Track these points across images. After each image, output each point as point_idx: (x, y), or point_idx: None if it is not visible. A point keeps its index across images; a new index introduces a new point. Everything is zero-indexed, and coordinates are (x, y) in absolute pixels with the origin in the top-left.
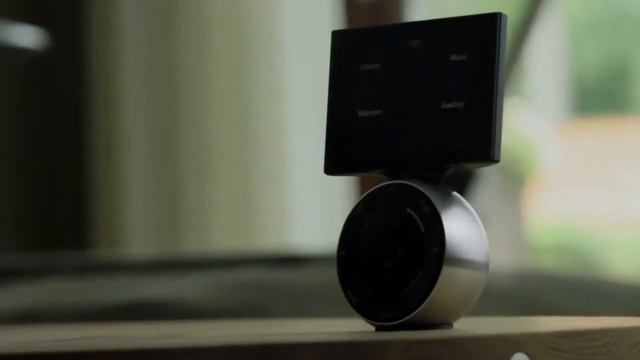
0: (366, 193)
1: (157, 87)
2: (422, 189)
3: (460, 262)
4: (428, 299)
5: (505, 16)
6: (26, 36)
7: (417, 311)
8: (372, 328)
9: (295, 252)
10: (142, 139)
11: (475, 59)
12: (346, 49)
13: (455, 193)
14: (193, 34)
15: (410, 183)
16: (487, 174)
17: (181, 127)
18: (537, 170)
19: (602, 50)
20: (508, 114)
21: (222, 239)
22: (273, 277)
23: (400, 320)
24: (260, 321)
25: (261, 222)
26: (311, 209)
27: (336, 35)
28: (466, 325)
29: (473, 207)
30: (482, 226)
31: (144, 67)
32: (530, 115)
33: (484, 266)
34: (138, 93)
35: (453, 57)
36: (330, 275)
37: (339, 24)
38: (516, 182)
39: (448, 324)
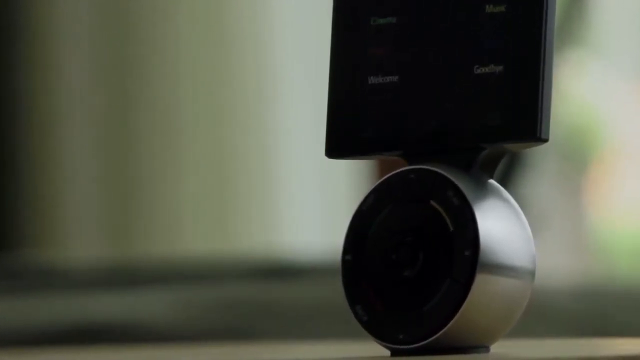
0: (379, 181)
1: (107, 44)
2: (451, 176)
3: (498, 268)
4: (458, 315)
5: None
6: None
7: (443, 331)
8: (387, 353)
9: (288, 259)
10: (86, 109)
11: (517, 10)
12: None
13: (492, 181)
14: None
15: (435, 169)
16: (537, 156)
17: (138, 96)
18: (607, 151)
19: None
20: (567, 74)
21: (192, 242)
22: (260, 292)
23: (422, 343)
24: (245, 346)
25: (243, 222)
26: (308, 203)
27: None
28: (506, 349)
29: (517, 201)
30: (526, 223)
31: (89, 17)
32: (599, 76)
33: (529, 274)
34: (82, 50)
35: (489, 9)
36: (333, 287)
37: None
38: (577, 167)
39: (483, 347)
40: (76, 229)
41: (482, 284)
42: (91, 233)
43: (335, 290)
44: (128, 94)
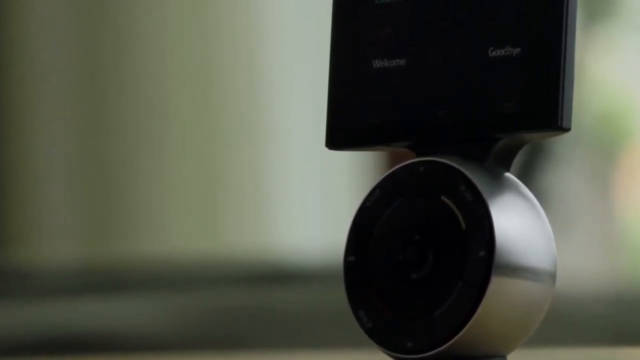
0: (384, 175)
1: (86, 34)
2: (463, 169)
3: (516, 270)
4: (471, 321)
5: None
6: None
7: (456, 338)
8: None
9: (285, 262)
10: (63, 99)
11: None
12: None
13: (508, 175)
14: None
15: (446, 161)
16: (560, 147)
17: (119, 82)
18: (638, 140)
19: None
20: (593, 54)
21: (180, 243)
22: (254, 297)
23: (432, 352)
24: (239, 356)
25: (236, 220)
26: (307, 199)
27: None
28: (525, 359)
29: (537, 196)
30: (547, 221)
31: (70, 11)
32: (630, 55)
33: (550, 276)
34: (59, 43)
35: None
36: (334, 292)
37: None
38: (605, 159)
39: (499, 357)
40: (52, 228)
41: (498, 287)
42: (69, 232)
43: (336, 295)
44: (109, 81)
